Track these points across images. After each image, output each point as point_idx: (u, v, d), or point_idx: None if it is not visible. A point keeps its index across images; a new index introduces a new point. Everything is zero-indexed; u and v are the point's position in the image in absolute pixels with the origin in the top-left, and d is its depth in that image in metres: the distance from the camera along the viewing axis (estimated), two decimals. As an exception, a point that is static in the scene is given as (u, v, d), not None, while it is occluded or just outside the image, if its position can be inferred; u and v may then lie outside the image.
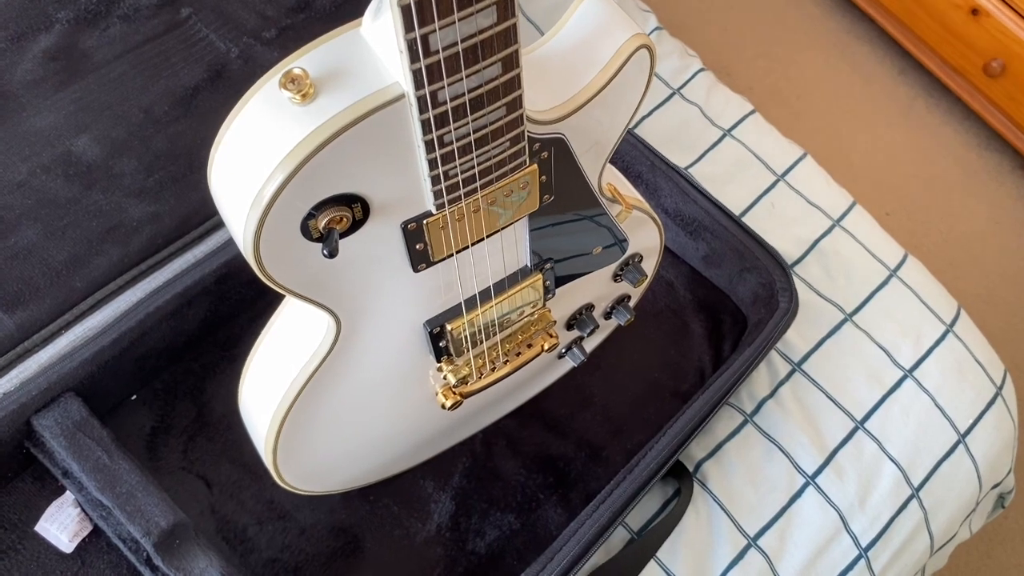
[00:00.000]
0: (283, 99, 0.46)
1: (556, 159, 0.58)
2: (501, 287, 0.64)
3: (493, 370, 0.69)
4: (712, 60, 1.51)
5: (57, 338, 0.73)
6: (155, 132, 0.84)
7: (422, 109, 0.47)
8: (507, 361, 0.70)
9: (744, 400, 0.87)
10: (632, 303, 0.79)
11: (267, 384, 0.63)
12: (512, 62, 0.48)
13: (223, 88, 0.88)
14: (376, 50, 0.48)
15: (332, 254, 0.50)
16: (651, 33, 1.08)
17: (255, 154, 0.47)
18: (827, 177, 1.02)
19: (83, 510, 0.71)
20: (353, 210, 0.51)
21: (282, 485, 0.67)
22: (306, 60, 0.48)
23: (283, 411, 0.61)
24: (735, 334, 0.89)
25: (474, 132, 0.50)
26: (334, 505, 0.76)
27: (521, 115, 0.52)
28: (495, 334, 0.67)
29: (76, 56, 0.87)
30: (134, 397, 0.77)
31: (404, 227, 0.54)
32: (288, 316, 0.63)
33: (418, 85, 0.45)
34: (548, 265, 0.65)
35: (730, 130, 1.02)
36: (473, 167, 0.52)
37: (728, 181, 0.99)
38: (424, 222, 0.54)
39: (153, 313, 0.74)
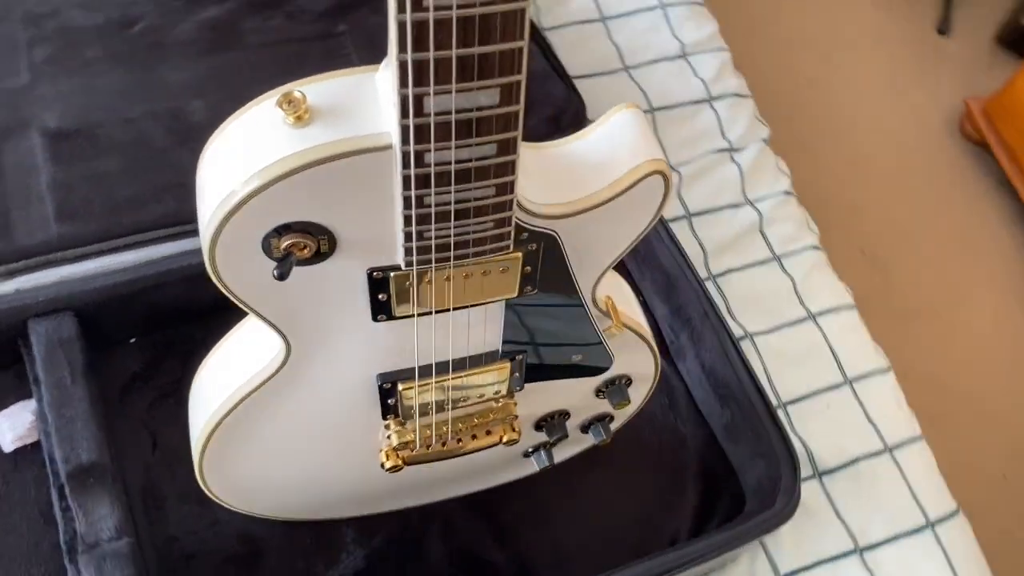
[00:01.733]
0: (278, 117, 0.47)
1: (545, 255, 0.56)
2: (462, 364, 0.62)
3: (441, 445, 0.67)
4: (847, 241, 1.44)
5: (84, 261, 0.78)
6: (259, 118, 0.89)
7: (405, 164, 0.46)
8: (458, 441, 0.68)
9: (708, 590, 0.80)
10: (615, 425, 0.75)
11: (213, 386, 0.63)
12: (509, 147, 0.47)
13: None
14: (381, 97, 0.48)
15: (282, 277, 0.50)
16: (777, 197, 1.04)
17: (239, 157, 0.48)
18: (901, 399, 0.93)
19: (37, 420, 0.74)
20: (319, 241, 0.50)
21: (204, 490, 0.67)
22: (311, 87, 0.48)
23: (218, 418, 0.61)
24: (726, 516, 0.82)
25: (456, 202, 0.49)
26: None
27: (510, 200, 0.51)
28: (449, 409, 0.65)
29: (231, 33, 0.95)
30: (133, 340, 0.81)
31: (370, 274, 0.53)
32: (252, 326, 0.63)
33: (404, 140, 0.45)
34: (519, 356, 0.63)
35: (817, 315, 0.96)
36: (449, 236, 0.51)
37: (792, 364, 0.93)
38: (391, 274, 0.53)
39: (175, 271, 0.78)
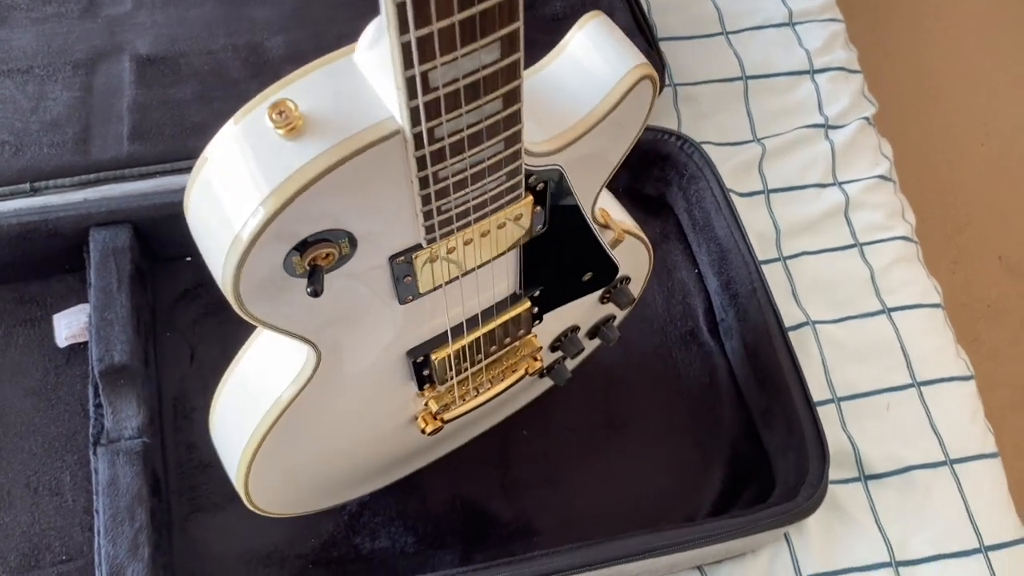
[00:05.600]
0: (269, 132, 0.43)
1: (552, 190, 0.54)
2: (489, 315, 0.61)
3: (476, 395, 0.67)
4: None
5: (149, 179, 0.82)
6: (332, 57, 0.91)
7: (418, 146, 0.44)
8: (490, 386, 0.67)
9: (720, 577, 0.76)
10: (617, 323, 0.73)
11: (240, 413, 0.61)
12: (514, 97, 0.45)
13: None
14: (370, 81, 0.45)
15: (317, 293, 0.47)
16: (871, 180, 0.96)
17: (236, 190, 0.44)
18: (978, 411, 0.85)
19: (90, 322, 0.79)
20: (340, 246, 0.47)
21: (252, 509, 0.66)
22: (295, 89, 0.45)
23: (256, 442, 0.59)
24: (750, 503, 0.78)
25: (471, 167, 0.47)
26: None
27: (519, 150, 0.49)
28: (480, 361, 0.65)
29: (320, -28, 0.97)
30: (188, 259, 0.85)
31: (392, 260, 0.51)
32: (263, 345, 0.62)
33: (415, 122, 0.42)
34: (537, 292, 0.62)
35: (892, 310, 0.89)
36: (468, 201, 0.49)
37: (854, 358, 0.86)
38: (413, 255, 0.51)
39: (227, 195, 0.81)
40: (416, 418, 0.66)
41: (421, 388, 0.63)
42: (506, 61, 0.42)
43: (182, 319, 0.83)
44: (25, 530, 0.73)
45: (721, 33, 1.04)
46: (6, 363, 0.80)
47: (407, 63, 0.39)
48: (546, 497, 0.78)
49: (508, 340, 0.64)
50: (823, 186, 0.96)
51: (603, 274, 0.65)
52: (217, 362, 0.81)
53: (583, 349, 0.72)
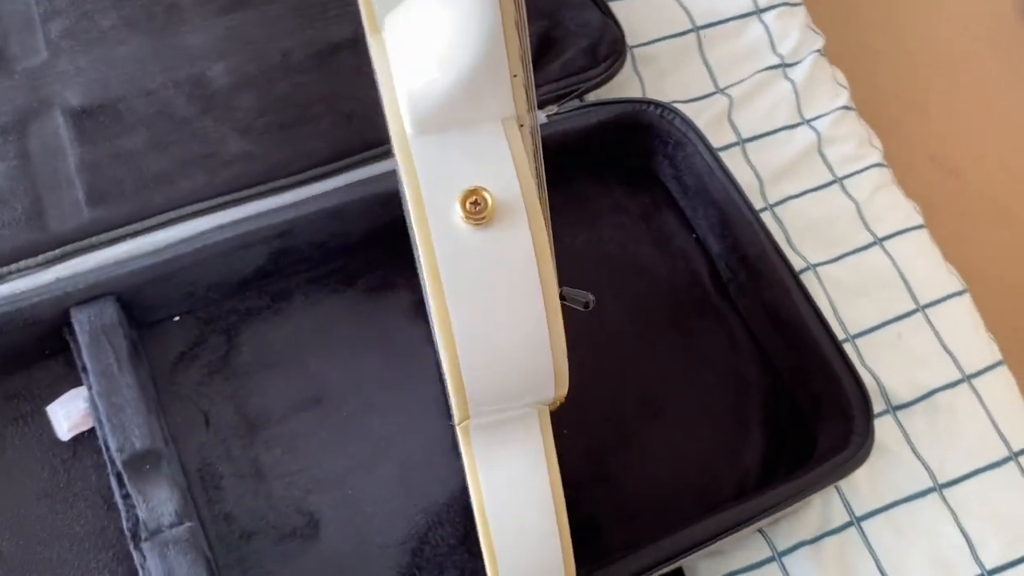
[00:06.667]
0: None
1: None
2: None
3: None
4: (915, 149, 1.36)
5: (120, 243, 0.76)
6: (283, 77, 0.85)
7: None
8: None
9: (780, 534, 0.77)
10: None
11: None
12: None
13: (364, 51, 0.88)
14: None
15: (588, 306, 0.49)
16: (835, 113, 0.97)
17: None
18: (978, 323, 0.88)
19: (89, 407, 0.74)
20: None
21: None
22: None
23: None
24: (796, 461, 0.79)
25: None
26: (311, 486, 0.75)
27: None
28: None
29: (247, -13, 0.91)
30: (176, 318, 0.80)
31: None
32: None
33: None
34: None
35: (883, 239, 0.90)
36: None
37: (859, 294, 0.88)
38: None
39: (210, 247, 0.76)
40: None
41: None
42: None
43: (185, 384, 0.78)
44: (76, 643, 0.69)
45: (663, -14, 1.02)
46: (6, 468, 0.74)
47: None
48: (600, 493, 0.77)
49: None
50: (792, 127, 0.96)
51: None
52: (234, 421, 0.77)
53: None
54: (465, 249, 0.43)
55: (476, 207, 0.42)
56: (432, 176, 0.45)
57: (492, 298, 0.44)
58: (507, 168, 0.45)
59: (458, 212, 0.43)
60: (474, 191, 0.43)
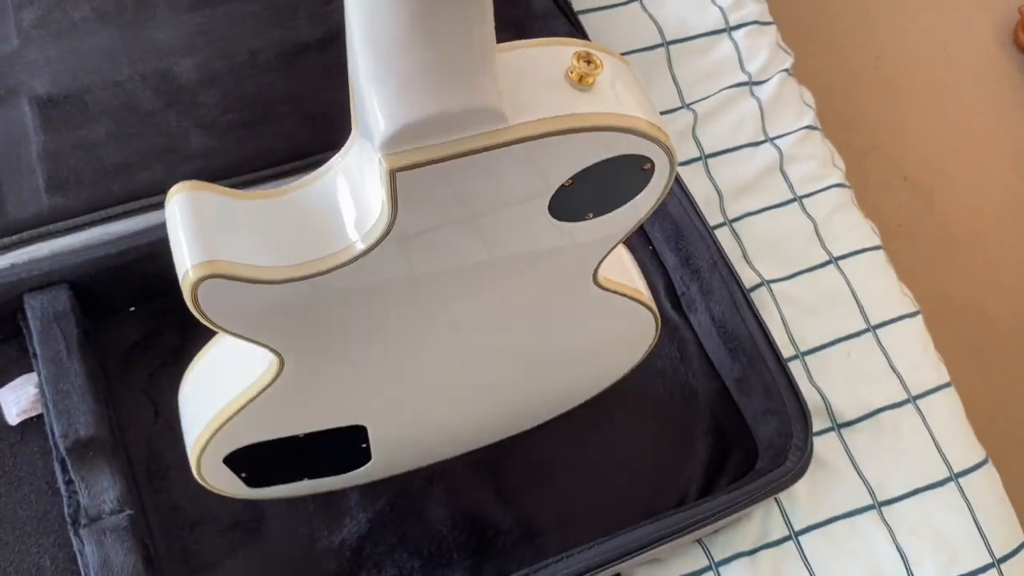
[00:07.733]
0: None
1: None
2: None
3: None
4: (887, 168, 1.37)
5: (76, 232, 0.77)
6: (250, 75, 0.86)
7: None
8: None
9: (718, 544, 0.78)
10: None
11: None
12: None
13: (332, 52, 0.89)
14: None
15: None
16: (799, 133, 0.98)
17: None
18: (928, 345, 0.89)
19: (39, 392, 0.75)
20: None
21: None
22: None
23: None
24: (738, 472, 0.80)
25: None
26: (255, 480, 0.75)
27: None
28: None
29: (220, -16, 0.92)
30: (132, 309, 0.81)
31: None
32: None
33: None
34: None
35: (839, 259, 0.92)
36: None
37: (812, 312, 0.89)
38: None
39: (167, 239, 0.77)
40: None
41: None
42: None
43: (137, 375, 0.79)
44: (12, 624, 0.70)
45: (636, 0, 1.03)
46: (-47, 451, 0.74)
47: None
48: (541, 497, 0.78)
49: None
50: (756, 144, 0.97)
51: None
52: (184, 414, 0.78)
53: None
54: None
55: None
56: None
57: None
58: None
59: None
60: None
